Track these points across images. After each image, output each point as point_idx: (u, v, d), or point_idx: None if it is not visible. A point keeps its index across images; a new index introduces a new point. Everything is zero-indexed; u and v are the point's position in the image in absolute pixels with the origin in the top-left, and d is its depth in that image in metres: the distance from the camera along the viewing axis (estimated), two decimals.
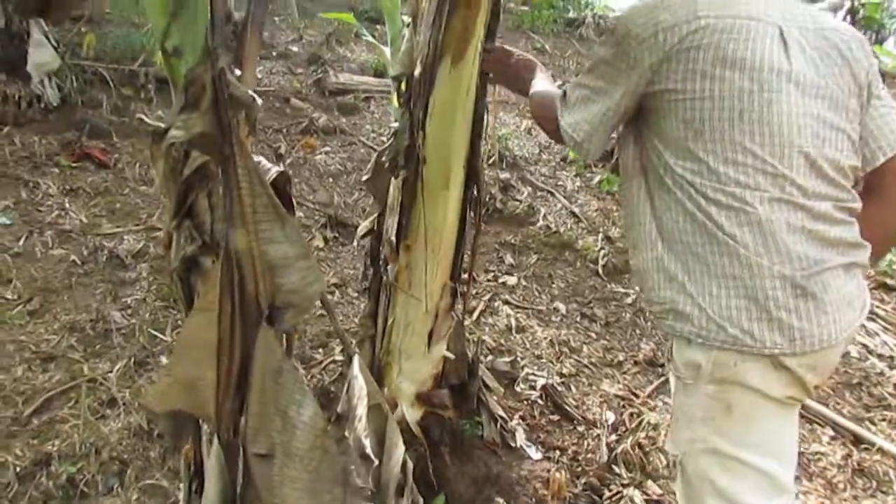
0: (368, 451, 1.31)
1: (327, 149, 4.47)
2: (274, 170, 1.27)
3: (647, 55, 1.28)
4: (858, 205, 1.32)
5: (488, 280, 3.41)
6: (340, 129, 4.84)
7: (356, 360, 1.46)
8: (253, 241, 1.06)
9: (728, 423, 1.30)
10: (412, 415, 2.23)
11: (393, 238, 2.10)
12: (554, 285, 3.50)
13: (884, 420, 2.77)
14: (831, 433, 2.67)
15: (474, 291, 3.24)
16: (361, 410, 1.37)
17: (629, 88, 1.33)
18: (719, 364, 1.27)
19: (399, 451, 1.48)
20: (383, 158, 2.16)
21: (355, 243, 3.29)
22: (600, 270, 3.66)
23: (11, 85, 4.14)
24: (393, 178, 2.15)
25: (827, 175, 1.27)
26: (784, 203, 1.23)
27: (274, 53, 6.52)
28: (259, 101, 1.10)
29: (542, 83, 1.76)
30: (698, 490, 1.35)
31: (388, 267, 2.14)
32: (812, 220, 1.24)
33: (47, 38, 4.35)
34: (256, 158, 1.32)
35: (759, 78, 1.23)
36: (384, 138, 4.92)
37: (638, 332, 3.23)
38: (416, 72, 2.05)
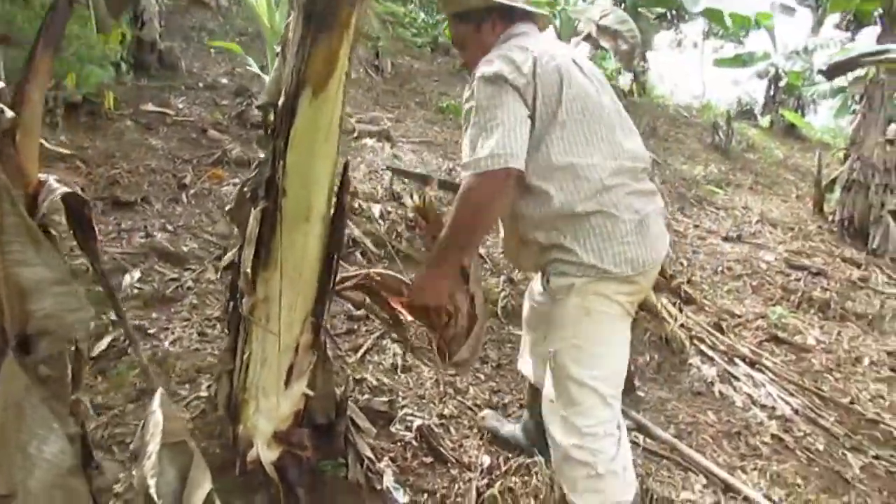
0: (152, 491, 1.23)
1: (236, 180, 4.39)
2: (60, 190, 1.21)
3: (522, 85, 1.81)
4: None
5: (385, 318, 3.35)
6: (253, 162, 4.77)
7: (157, 394, 1.38)
8: (1, 264, 0.99)
9: (588, 323, 1.88)
10: (267, 455, 2.14)
11: (248, 270, 2.03)
12: None
13: (755, 469, 2.80)
14: (704, 481, 2.67)
15: (364, 329, 3.18)
16: (153, 447, 1.30)
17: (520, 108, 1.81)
18: (587, 285, 1.85)
19: (202, 491, 1.40)
20: (245, 189, 2.11)
21: (218, 275, 3.20)
22: (499, 311, 3.65)
23: None
24: (252, 209, 2.09)
25: None
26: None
27: (201, 84, 6.45)
28: (9, 115, 1.03)
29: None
30: (562, 376, 1.92)
31: (244, 299, 2.07)
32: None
33: None
34: (46, 177, 1.26)
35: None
36: None
37: None
38: (280, 102, 2.02)
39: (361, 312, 3.23)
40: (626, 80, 10.41)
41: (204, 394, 2.46)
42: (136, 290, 3.05)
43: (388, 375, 2.94)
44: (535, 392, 2.44)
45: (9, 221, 0.99)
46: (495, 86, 1.80)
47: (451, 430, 2.69)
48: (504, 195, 1.79)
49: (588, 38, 4.13)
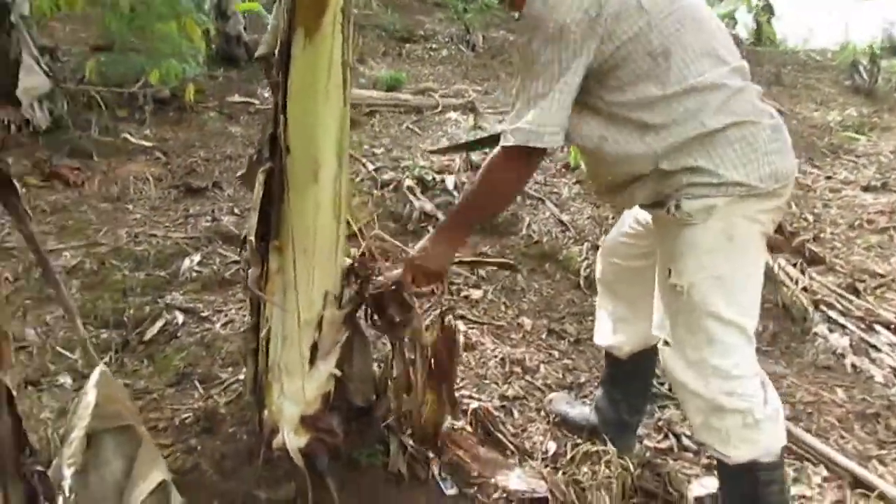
0: (66, 481, 1.05)
1: None
2: None
3: (587, 37, 1.52)
4: None
5: (448, 294, 3.10)
6: None
7: (95, 372, 1.21)
8: None
9: (731, 250, 1.62)
10: (294, 441, 1.95)
11: (252, 238, 1.85)
12: (525, 299, 3.16)
13: None
14: (825, 473, 2.21)
15: (426, 306, 2.94)
16: (79, 433, 1.12)
17: (579, 68, 1.55)
18: (730, 205, 1.60)
19: (151, 480, 1.22)
20: (253, 151, 1.93)
21: (239, 250, 3.04)
22: (582, 282, 3.29)
23: (1, 110, 4.18)
24: (260, 172, 1.90)
25: None
26: None
27: None
28: None
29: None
30: (699, 314, 1.65)
31: (249, 271, 1.89)
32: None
33: (38, 63, 4.40)
34: None
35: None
36: (376, 151, 4.74)
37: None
38: (276, 50, 1.82)
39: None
40: (742, 27, 9.44)
41: (242, 377, 2.32)
42: (194, 274, 3.00)
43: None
44: (616, 363, 2.18)
45: None
46: (548, 36, 1.53)
47: (514, 413, 2.40)
48: (529, 176, 1.75)
49: None
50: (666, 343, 1.75)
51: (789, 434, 2.32)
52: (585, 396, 2.53)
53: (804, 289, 3.38)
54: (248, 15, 6.38)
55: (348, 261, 1.98)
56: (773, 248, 3.68)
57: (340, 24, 1.76)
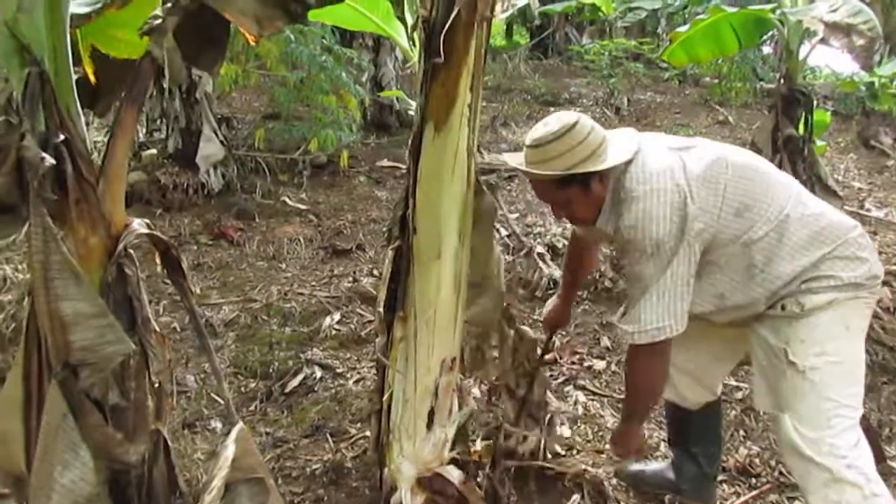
0: None
1: None
2: (137, 232, 1.31)
3: (686, 228, 1.72)
4: None
5: (572, 363, 3.14)
6: None
7: (236, 429, 1.41)
8: (46, 298, 1.09)
9: (847, 338, 1.77)
10: (410, 500, 2.08)
11: (381, 310, 2.03)
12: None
13: None
14: None
15: (550, 374, 3.00)
16: (218, 482, 1.31)
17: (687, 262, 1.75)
18: (848, 300, 1.76)
19: None
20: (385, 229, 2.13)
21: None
22: None
23: (182, 175, 4.81)
24: (389, 249, 2.10)
25: None
26: None
27: None
28: (49, 162, 1.12)
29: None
30: (818, 397, 1.74)
31: (377, 339, 2.06)
32: None
33: (215, 133, 5.03)
34: (131, 220, 1.37)
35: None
36: (511, 216, 4.89)
37: (742, 433, 2.74)
38: (409, 140, 2.02)
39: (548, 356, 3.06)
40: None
41: (368, 434, 2.49)
42: (333, 331, 3.26)
43: (567, 424, 2.72)
44: (685, 417, 2.23)
45: (53, 259, 1.09)
46: (663, 247, 1.73)
47: (630, 491, 2.38)
48: (667, 359, 1.85)
49: (820, 40, 3.53)
50: (780, 411, 1.82)
51: None
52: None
53: None
54: (400, 85, 6.88)
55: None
56: None
57: (467, 119, 1.93)
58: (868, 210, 5.53)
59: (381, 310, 2.04)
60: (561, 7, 9.26)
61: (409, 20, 2.64)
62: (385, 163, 5.96)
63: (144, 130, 5.61)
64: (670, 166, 1.76)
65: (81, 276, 1.11)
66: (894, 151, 7.20)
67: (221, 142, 5.06)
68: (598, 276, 3.82)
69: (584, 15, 9.27)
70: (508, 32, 13.18)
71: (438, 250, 1.99)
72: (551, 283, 3.78)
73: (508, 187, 5.54)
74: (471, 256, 2.10)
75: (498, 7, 2.00)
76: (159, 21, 1.41)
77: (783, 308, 1.79)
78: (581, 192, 1.81)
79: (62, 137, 1.22)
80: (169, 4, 1.42)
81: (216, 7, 1.45)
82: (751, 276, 1.80)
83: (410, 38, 2.47)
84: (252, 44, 1.62)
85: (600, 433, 2.67)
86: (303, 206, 4.85)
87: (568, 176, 1.78)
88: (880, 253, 4.52)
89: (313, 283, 3.74)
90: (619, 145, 1.84)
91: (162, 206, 4.67)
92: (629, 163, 1.79)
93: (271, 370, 2.95)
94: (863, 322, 1.82)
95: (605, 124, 7.89)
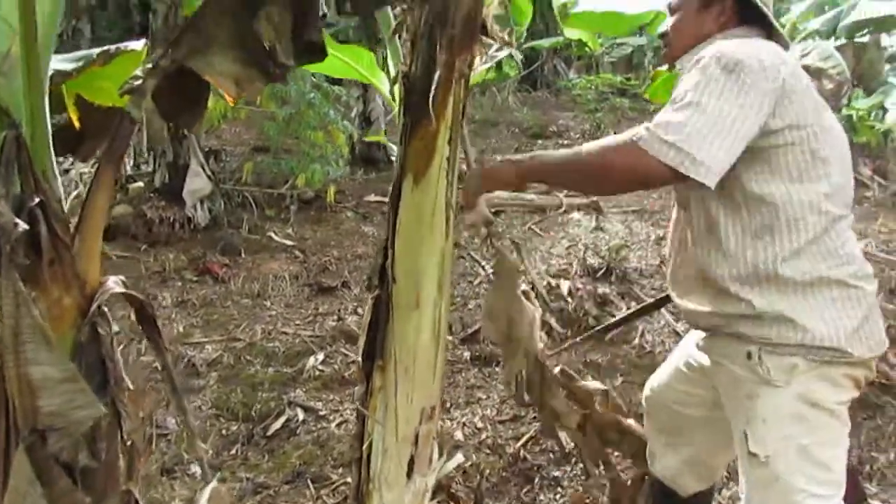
0: None
1: None
2: (111, 291, 1.32)
3: (768, 85, 1.40)
4: None
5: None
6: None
7: (207, 489, 1.41)
8: (15, 363, 1.09)
9: (814, 418, 1.48)
10: None
11: (360, 359, 2.04)
12: (629, 413, 3.12)
13: None
14: None
15: (531, 416, 3.00)
16: None
17: (756, 113, 1.40)
18: (814, 369, 1.46)
19: None
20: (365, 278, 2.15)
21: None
22: None
23: (169, 209, 4.83)
24: (369, 298, 2.11)
25: None
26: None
27: None
28: (22, 227, 1.13)
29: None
30: (779, 488, 1.49)
31: (356, 388, 2.07)
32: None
33: (203, 167, 5.06)
34: (107, 279, 1.38)
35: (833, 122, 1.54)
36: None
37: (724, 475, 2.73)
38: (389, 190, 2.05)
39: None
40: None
41: (349, 480, 2.48)
42: (317, 372, 3.25)
43: (554, 465, 2.71)
44: (673, 500, 1.97)
45: (24, 323, 1.10)
46: (738, 69, 1.40)
47: None
48: (654, 187, 1.72)
49: None
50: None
51: None
52: None
53: None
54: (388, 120, 6.95)
55: None
56: None
57: (445, 171, 1.95)
58: None
59: (359, 359, 2.05)
60: (549, 43, 9.42)
61: (392, 70, 2.68)
62: (372, 198, 6.00)
63: (132, 163, 5.64)
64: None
65: (52, 340, 1.12)
66: (873, 182, 7.31)
67: (209, 176, 5.09)
68: (581, 314, 3.84)
69: (572, 50, 9.42)
70: (498, 65, 13.36)
71: (417, 300, 2.01)
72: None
73: (495, 223, 5.57)
74: (492, 318, 2.12)
75: (477, 61, 2.03)
76: (139, 82, 1.43)
77: (749, 356, 1.51)
78: (698, 5, 1.64)
79: (37, 200, 1.23)
80: (149, 65, 1.45)
81: (196, 69, 1.47)
82: (756, 237, 1.48)
83: (391, 90, 2.52)
84: (230, 104, 1.65)
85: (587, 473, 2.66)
86: (289, 242, 4.86)
87: None
88: None
89: (298, 322, 3.74)
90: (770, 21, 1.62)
91: (147, 241, 4.68)
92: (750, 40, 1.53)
93: (253, 412, 2.93)
94: (839, 395, 1.51)
95: None
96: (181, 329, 3.58)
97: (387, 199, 5.56)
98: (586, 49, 9.86)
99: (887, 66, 8.76)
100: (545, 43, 9.53)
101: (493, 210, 5.84)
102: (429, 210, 1.96)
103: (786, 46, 1.68)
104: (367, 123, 6.73)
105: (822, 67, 2.99)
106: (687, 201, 1.64)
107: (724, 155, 1.37)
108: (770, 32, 1.64)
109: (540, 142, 8.76)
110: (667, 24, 1.80)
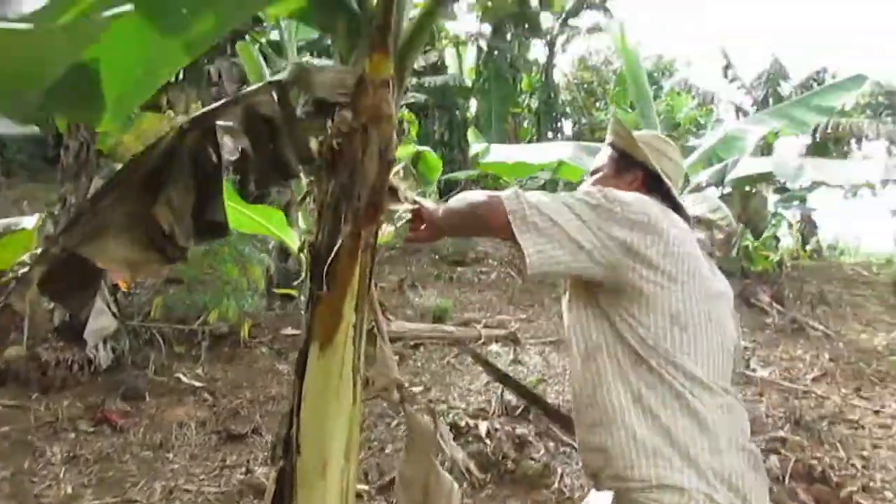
0: None
1: None
2: None
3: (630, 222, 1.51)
4: None
5: None
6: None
7: None
8: None
9: None
10: None
11: None
12: None
13: None
14: None
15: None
16: None
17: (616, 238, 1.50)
18: None
19: None
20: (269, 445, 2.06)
21: None
22: None
23: (67, 350, 4.55)
24: (272, 471, 2.02)
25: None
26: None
27: None
28: None
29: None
30: None
31: None
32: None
33: (108, 305, 4.82)
34: None
35: (709, 288, 1.57)
36: (415, 388, 4.86)
37: None
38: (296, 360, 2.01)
39: None
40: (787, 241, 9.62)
41: None
42: None
43: None
44: None
45: None
46: (600, 208, 1.53)
47: None
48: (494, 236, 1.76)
49: None
50: None
51: None
52: None
53: None
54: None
55: None
56: (819, 501, 3.50)
57: (352, 338, 1.95)
58: (754, 370, 5.82)
59: None
60: (465, 175, 9.83)
61: (303, 227, 2.74)
62: (289, 331, 5.88)
63: None
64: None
65: None
66: (772, 309, 7.77)
67: (114, 313, 4.85)
68: (500, 458, 3.78)
69: (487, 182, 9.83)
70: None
71: (324, 470, 1.93)
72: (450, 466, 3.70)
73: (413, 357, 5.54)
74: (405, 487, 2.06)
75: (384, 227, 2.09)
76: (25, 270, 1.39)
77: None
78: (614, 168, 1.81)
79: None
80: (38, 251, 1.41)
81: (86, 255, 1.45)
82: (634, 364, 1.51)
83: (300, 251, 2.55)
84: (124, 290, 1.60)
85: None
86: (198, 383, 4.65)
87: (632, 155, 1.79)
88: (766, 416, 4.72)
89: (202, 477, 3.50)
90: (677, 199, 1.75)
91: (40, 387, 4.36)
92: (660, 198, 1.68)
93: None
94: None
95: (508, 283, 8.21)
96: (69, 490, 3.28)
97: (299, 332, 5.44)
98: (500, 182, 10.34)
99: (776, 198, 9.59)
100: (461, 175, 9.93)
101: (412, 343, 5.84)
102: (336, 375, 1.94)
103: (687, 220, 1.74)
104: (283, 258, 6.70)
105: (711, 219, 3.25)
106: (583, 338, 1.67)
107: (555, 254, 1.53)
108: (675, 205, 1.75)
109: (460, 268, 8.92)
110: (587, 182, 1.92)
